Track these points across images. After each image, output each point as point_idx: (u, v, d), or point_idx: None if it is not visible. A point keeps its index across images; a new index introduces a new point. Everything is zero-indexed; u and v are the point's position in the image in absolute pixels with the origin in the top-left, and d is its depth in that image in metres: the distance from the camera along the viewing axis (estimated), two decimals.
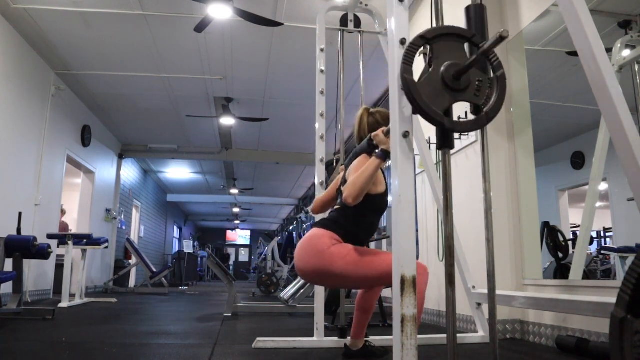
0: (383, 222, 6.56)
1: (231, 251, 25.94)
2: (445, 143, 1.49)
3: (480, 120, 1.43)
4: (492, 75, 1.47)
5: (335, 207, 2.19)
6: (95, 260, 7.93)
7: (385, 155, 1.93)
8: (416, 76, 1.41)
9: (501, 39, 1.27)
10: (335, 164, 3.00)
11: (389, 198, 1.72)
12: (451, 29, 1.45)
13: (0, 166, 4.81)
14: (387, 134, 1.95)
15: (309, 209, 2.61)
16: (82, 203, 7.64)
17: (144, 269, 9.04)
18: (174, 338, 2.93)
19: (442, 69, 1.41)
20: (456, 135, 3.84)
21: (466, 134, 3.44)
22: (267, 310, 4.81)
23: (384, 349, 2.28)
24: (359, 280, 1.97)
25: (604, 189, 4.94)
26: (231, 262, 24.87)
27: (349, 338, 2.35)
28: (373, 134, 2.02)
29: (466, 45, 1.49)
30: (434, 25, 1.70)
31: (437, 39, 1.43)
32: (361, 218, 2.06)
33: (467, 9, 1.67)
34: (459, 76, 1.40)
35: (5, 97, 4.86)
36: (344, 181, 2.15)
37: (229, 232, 25.19)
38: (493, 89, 1.44)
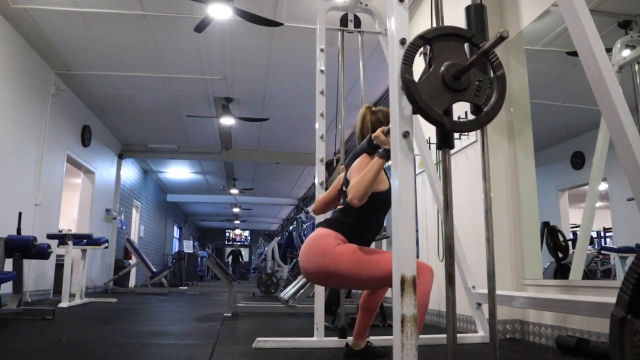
0: (384, 222, 6.55)
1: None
2: (445, 143, 1.49)
3: (480, 120, 1.43)
4: (492, 75, 1.47)
5: (339, 206, 2.18)
6: (95, 260, 7.93)
7: (388, 155, 1.93)
8: (416, 76, 1.41)
9: (501, 39, 1.27)
10: (335, 164, 2.99)
11: None
12: (451, 29, 1.45)
13: (0, 166, 4.81)
14: (387, 133, 1.95)
15: (310, 209, 2.61)
16: (82, 203, 7.64)
17: (144, 269, 9.04)
18: (174, 338, 2.93)
19: (442, 68, 1.41)
20: (456, 135, 3.84)
21: (466, 134, 3.44)
22: (267, 310, 4.81)
23: (385, 350, 2.28)
24: (364, 280, 1.96)
25: (604, 189, 4.94)
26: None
27: (349, 338, 2.35)
28: (373, 134, 2.02)
29: (466, 46, 1.49)
30: (434, 25, 1.70)
31: (437, 39, 1.43)
32: (366, 217, 2.06)
33: (467, 9, 1.67)
34: (459, 76, 1.40)
35: (5, 97, 4.86)
36: (346, 181, 2.15)
37: (232, 231, 25.12)
38: (493, 89, 1.44)
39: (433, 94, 1.39)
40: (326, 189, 2.73)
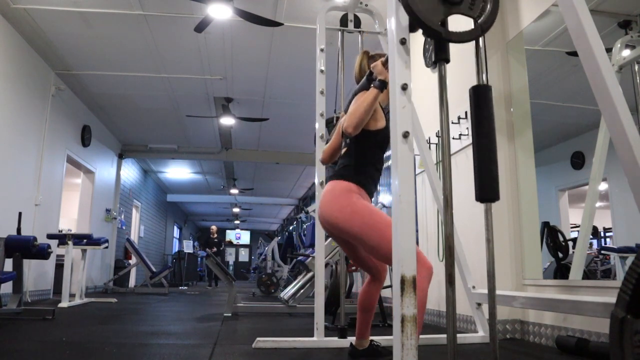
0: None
1: (230, 250, 25.77)
2: (441, 55, 1.51)
3: (475, 31, 1.46)
4: None
5: (343, 152, 2.20)
6: (95, 260, 7.93)
7: (383, 85, 1.96)
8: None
9: None
10: (335, 122, 2.99)
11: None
12: None
13: (0, 166, 4.81)
14: (385, 63, 1.98)
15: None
16: (82, 203, 7.64)
17: (143, 269, 9.03)
18: (174, 338, 2.93)
19: None
20: (456, 135, 3.84)
21: (466, 134, 3.44)
22: (267, 310, 4.81)
23: (389, 349, 2.28)
24: (372, 246, 1.94)
25: (604, 189, 4.94)
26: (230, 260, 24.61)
27: (351, 338, 2.35)
28: (372, 64, 2.06)
29: None
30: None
31: None
32: (367, 154, 2.10)
33: None
34: None
35: (5, 97, 4.86)
36: None
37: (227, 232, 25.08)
38: (487, 2, 1.47)
39: (429, 7, 1.42)
40: (327, 142, 2.72)
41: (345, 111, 2.22)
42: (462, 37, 1.47)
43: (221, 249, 12.47)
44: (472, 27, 1.46)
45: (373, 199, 2.22)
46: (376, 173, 2.15)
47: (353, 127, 1.92)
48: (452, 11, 1.45)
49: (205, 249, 11.96)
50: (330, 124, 2.98)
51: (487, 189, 1.43)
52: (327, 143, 2.41)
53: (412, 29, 1.47)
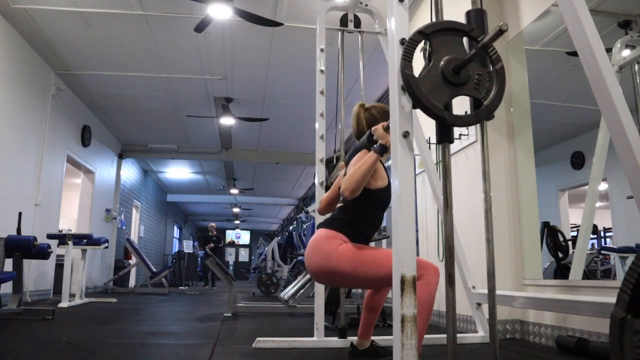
0: (383, 222, 6.55)
1: (230, 250, 25.74)
2: (444, 137, 1.49)
3: (481, 114, 1.44)
4: (491, 68, 1.47)
5: (339, 205, 2.19)
6: (95, 260, 7.93)
7: (383, 150, 1.94)
8: (417, 73, 1.40)
9: (500, 32, 1.27)
10: (335, 162, 2.99)
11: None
12: (449, 24, 1.46)
13: (0, 166, 4.81)
14: (386, 129, 1.95)
15: (311, 209, 2.61)
16: (82, 203, 7.64)
17: (143, 269, 9.03)
18: (174, 338, 2.93)
19: (442, 63, 1.41)
20: (456, 135, 3.84)
21: (466, 134, 3.44)
22: (267, 310, 4.81)
23: (389, 350, 2.28)
24: (366, 280, 1.95)
25: (604, 189, 4.95)
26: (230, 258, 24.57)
27: (353, 338, 2.35)
28: (373, 128, 2.03)
29: (465, 41, 1.49)
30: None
31: (436, 34, 1.44)
32: (363, 213, 2.06)
33: (468, 13, 1.66)
34: (458, 70, 1.41)
35: (5, 97, 4.86)
36: None
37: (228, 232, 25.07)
38: (493, 83, 1.45)
39: (433, 89, 1.39)
40: (327, 187, 2.74)
41: (347, 163, 2.22)
42: (467, 121, 1.45)
43: (220, 245, 12.16)
44: (477, 109, 1.43)
45: None
46: (370, 229, 2.11)
47: (350, 191, 1.88)
48: (457, 92, 1.42)
49: (204, 247, 11.66)
50: (330, 164, 2.97)
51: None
52: (327, 188, 2.40)
53: (415, 106, 1.43)
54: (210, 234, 12.11)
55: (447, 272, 1.42)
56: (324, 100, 2.93)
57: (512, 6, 3.32)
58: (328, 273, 1.98)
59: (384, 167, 2.14)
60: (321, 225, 2.11)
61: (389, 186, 2.07)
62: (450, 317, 1.38)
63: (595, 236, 5.80)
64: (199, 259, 15.48)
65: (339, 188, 2.23)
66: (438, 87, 1.40)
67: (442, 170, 1.50)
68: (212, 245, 11.35)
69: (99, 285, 8.12)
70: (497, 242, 2.36)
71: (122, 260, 9.40)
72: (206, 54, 5.54)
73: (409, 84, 1.36)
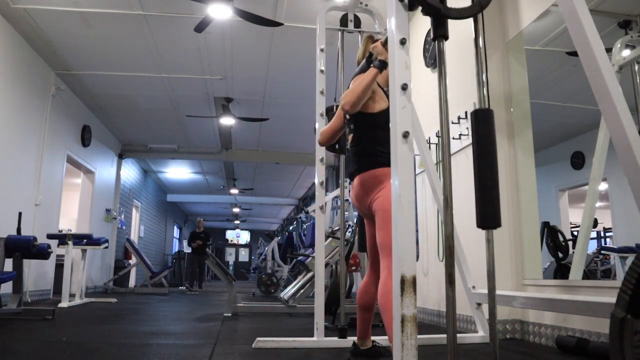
0: None
1: (230, 250, 25.74)
2: (439, 31, 1.49)
3: (474, 7, 1.45)
4: None
5: (350, 143, 2.18)
6: (95, 260, 7.93)
7: (382, 65, 1.96)
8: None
9: None
10: (335, 109, 3.00)
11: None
12: None
13: (0, 166, 4.81)
14: (384, 44, 1.97)
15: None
16: (82, 203, 7.64)
17: (143, 269, 9.04)
18: (174, 338, 2.93)
19: None
20: (456, 135, 3.83)
21: (466, 134, 3.44)
22: (267, 310, 4.81)
23: (390, 350, 2.28)
24: (388, 236, 1.89)
25: (604, 189, 4.95)
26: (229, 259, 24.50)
27: (352, 337, 2.35)
28: (372, 45, 2.06)
29: None
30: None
31: None
32: (376, 136, 2.07)
33: None
34: None
35: (5, 97, 4.86)
36: None
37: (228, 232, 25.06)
38: None
39: None
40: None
41: None
42: (461, 13, 1.46)
43: (209, 243, 10.47)
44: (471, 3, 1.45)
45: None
46: (385, 147, 2.11)
47: (350, 104, 1.92)
48: None
49: (190, 244, 10.29)
50: (330, 112, 2.99)
51: (488, 216, 1.41)
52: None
53: (411, 7, 1.45)
54: (197, 230, 10.67)
55: (447, 272, 1.41)
56: (324, 100, 2.93)
57: (512, 6, 3.32)
58: (373, 199, 1.99)
59: (384, 90, 2.15)
60: (358, 172, 2.08)
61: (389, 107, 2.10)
62: (450, 317, 1.38)
63: (595, 230, 5.79)
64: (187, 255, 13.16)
65: (345, 119, 2.23)
66: None
67: (442, 170, 1.50)
68: (200, 242, 10.16)
69: (99, 285, 8.12)
70: (497, 242, 2.35)
71: (122, 260, 9.40)
72: (206, 54, 5.54)
73: None
